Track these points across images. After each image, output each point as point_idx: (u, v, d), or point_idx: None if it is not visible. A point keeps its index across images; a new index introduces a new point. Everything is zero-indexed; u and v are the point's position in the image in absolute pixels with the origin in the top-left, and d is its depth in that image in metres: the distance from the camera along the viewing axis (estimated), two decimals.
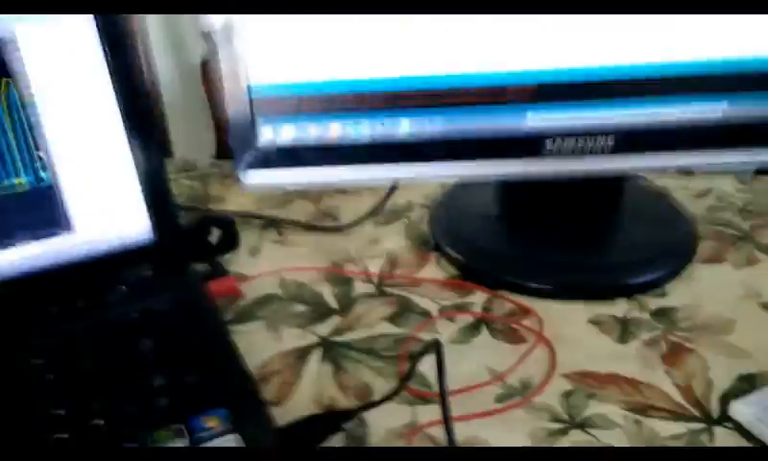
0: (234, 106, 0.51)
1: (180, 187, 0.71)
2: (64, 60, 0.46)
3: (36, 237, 0.47)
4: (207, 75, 1.17)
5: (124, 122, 0.48)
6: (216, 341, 0.43)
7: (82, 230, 0.48)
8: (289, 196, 0.68)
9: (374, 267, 0.55)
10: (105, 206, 0.49)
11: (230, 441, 0.35)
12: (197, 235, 0.57)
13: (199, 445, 0.34)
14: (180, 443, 0.35)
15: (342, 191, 0.68)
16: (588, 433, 0.38)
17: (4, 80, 0.44)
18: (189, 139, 1.11)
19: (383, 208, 0.63)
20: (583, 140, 0.49)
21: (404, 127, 0.50)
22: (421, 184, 0.68)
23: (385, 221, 0.62)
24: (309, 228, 0.62)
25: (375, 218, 0.62)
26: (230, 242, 0.58)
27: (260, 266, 0.56)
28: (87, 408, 0.37)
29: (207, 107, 1.17)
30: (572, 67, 0.46)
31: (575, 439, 0.38)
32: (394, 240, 0.59)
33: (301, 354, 0.46)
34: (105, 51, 0.46)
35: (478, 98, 0.48)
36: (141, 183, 0.49)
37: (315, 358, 0.45)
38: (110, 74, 0.47)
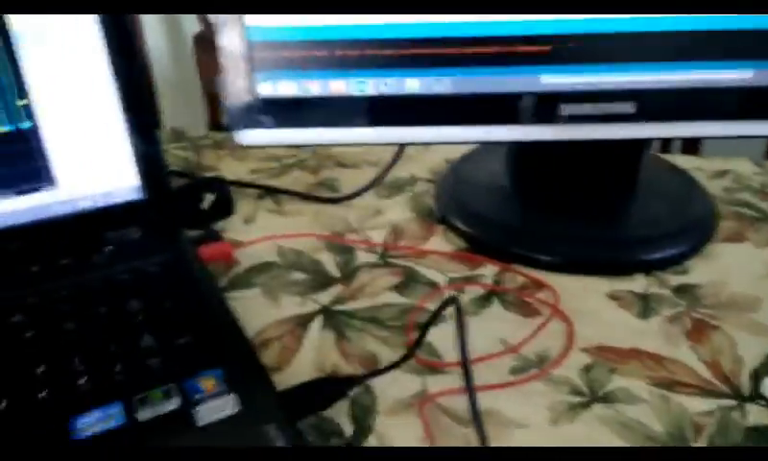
0: (231, 58, 0.48)
1: (172, 157, 0.67)
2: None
3: (18, 191, 0.44)
4: (201, 48, 1.14)
5: (113, 73, 0.45)
6: (209, 303, 0.40)
7: (66, 186, 0.45)
8: (286, 166, 0.65)
9: (377, 238, 0.52)
10: (91, 161, 0.46)
11: (227, 402, 0.31)
12: (189, 200, 0.54)
13: (194, 406, 0.31)
14: (173, 403, 0.31)
15: (341, 163, 0.65)
16: (613, 408, 0.36)
17: None
18: (181, 114, 1.08)
19: (385, 180, 0.61)
20: (601, 105, 0.46)
21: (411, 85, 0.47)
22: (425, 157, 0.65)
23: (387, 193, 0.59)
24: (307, 198, 0.59)
25: (377, 190, 0.59)
26: (224, 208, 0.55)
27: (256, 234, 0.53)
28: (70, 367, 0.34)
29: (199, 80, 1.13)
30: (590, 18, 0.43)
31: (598, 413, 0.35)
32: (397, 212, 0.56)
33: (302, 322, 0.43)
34: None
35: (489, 51, 0.45)
36: (130, 139, 0.46)
37: (316, 326, 0.42)
38: (101, 24, 0.44)
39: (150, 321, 0.38)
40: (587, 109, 0.47)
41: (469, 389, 0.30)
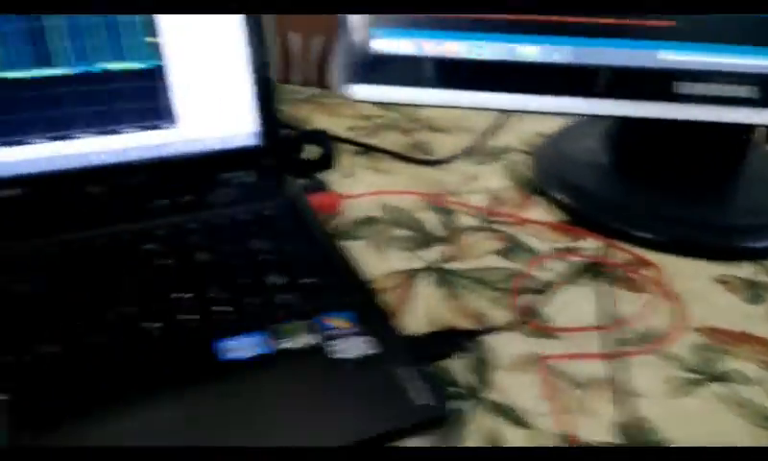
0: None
1: None
2: None
3: (142, 126, 0.46)
4: None
5: (243, 22, 0.45)
6: (328, 248, 0.41)
7: (187, 126, 0.47)
8: (377, 126, 0.66)
9: (477, 203, 0.53)
10: (213, 104, 0.47)
11: (363, 342, 0.33)
12: (292, 150, 0.55)
13: (330, 342, 0.33)
14: (311, 338, 0.33)
15: (432, 127, 0.66)
16: (728, 387, 0.36)
17: None
18: None
19: (481, 147, 0.61)
20: (719, 86, 0.45)
21: (529, 52, 0.47)
22: (516, 128, 0.65)
23: (482, 160, 0.59)
24: (404, 158, 0.59)
25: (472, 156, 0.60)
26: (327, 160, 0.56)
27: (355, 189, 0.54)
28: (206, 295, 0.36)
29: (275, 32, 1.15)
30: None
31: (715, 391, 0.36)
32: (494, 179, 0.56)
33: (410, 276, 0.44)
34: None
35: (613, 21, 0.45)
36: (252, 87, 0.47)
37: (425, 282, 0.43)
38: None
39: (275, 260, 0.39)
40: (701, 89, 0.46)
41: (609, 355, 0.31)
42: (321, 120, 0.66)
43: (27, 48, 0.42)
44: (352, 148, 0.60)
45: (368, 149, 0.60)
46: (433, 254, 0.46)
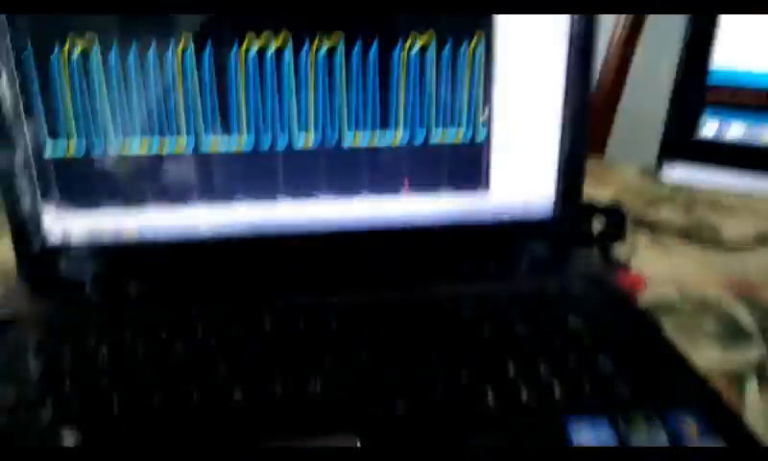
0: (679, 90, 0.47)
1: None
2: (532, 30, 0.45)
3: (458, 190, 0.47)
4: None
5: (564, 102, 0.46)
6: (653, 333, 0.39)
7: (496, 192, 0.47)
8: (650, 199, 0.63)
9: None
10: (521, 174, 0.47)
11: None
12: (584, 221, 0.54)
13: (683, 448, 0.31)
14: (661, 438, 0.31)
15: (714, 206, 0.61)
16: None
17: (479, 32, 0.44)
18: None
19: None
20: None
21: None
22: None
23: None
24: (692, 237, 0.56)
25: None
26: (616, 233, 0.54)
27: (644, 268, 0.51)
28: (545, 374, 0.35)
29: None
30: None
31: None
32: None
33: (735, 379, 0.40)
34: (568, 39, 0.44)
35: None
36: (561, 158, 0.47)
37: (753, 388, 0.40)
38: (566, 57, 0.45)
39: (601, 342, 0.38)
40: None
41: None
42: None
43: (369, 113, 0.45)
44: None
45: (645, 223, 0.57)
46: (754, 355, 0.42)
